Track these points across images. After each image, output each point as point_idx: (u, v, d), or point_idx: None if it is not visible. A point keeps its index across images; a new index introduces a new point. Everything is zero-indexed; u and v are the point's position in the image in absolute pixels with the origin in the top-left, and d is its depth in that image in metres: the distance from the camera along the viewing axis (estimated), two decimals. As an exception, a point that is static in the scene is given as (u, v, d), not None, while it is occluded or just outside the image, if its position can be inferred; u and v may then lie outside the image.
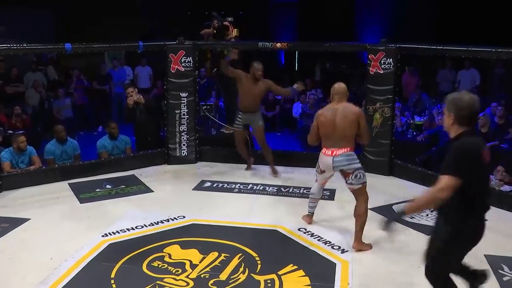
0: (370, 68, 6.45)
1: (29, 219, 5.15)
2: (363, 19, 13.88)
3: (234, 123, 6.48)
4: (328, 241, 4.67)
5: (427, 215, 5.28)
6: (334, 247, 4.55)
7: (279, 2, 14.59)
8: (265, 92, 6.53)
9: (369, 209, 5.38)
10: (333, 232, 4.84)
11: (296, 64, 14.54)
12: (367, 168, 6.56)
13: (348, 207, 5.49)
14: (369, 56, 6.45)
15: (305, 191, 5.99)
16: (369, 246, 4.54)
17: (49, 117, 9.63)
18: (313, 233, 4.82)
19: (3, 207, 5.48)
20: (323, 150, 4.60)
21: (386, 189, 6.10)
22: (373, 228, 4.96)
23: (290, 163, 6.97)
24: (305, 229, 4.90)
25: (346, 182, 4.55)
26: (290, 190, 6.05)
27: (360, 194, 4.55)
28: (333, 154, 4.51)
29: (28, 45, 7.07)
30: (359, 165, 4.51)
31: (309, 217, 5.08)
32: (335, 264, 4.26)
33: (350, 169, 4.47)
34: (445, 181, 2.86)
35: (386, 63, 6.35)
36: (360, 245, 4.52)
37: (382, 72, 6.38)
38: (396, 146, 6.65)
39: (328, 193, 5.93)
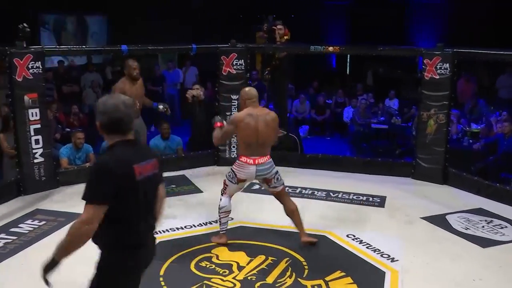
0: (425, 73, 6.29)
1: (83, 214, 5.31)
2: (417, 22, 13.57)
3: None
4: (378, 249, 4.57)
5: (483, 226, 5.10)
6: (384, 255, 4.46)
7: (330, 5, 14.49)
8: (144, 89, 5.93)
9: (421, 218, 5.29)
10: (382, 240, 4.74)
11: (348, 68, 14.38)
12: (419, 175, 6.49)
13: (398, 215, 5.40)
14: (424, 61, 6.28)
15: (354, 197, 5.91)
16: (315, 239, 4.60)
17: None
18: (362, 240, 4.74)
19: (59, 202, 5.69)
20: (243, 158, 4.40)
21: (439, 198, 5.92)
22: (422, 236, 4.85)
23: (340, 168, 6.90)
24: (354, 236, 4.83)
25: (269, 187, 4.52)
26: (339, 196, 5.98)
27: (283, 194, 4.59)
28: (256, 162, 4.39)
29: (87, 46, 7.35)
30: (276, 169, 4.51)
31: (224, 236, 4.61)
32: (384, 273, 4.17)
33: (272, 174, 4.46)
34: (86, 211, 2.38)
35: (442, 68, 6.17)
36: (309, 238, 4.58)
37: (437, 77, 6.21)
38: (451, 154, 6.44)
39: (379, 200, 5.83)
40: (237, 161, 4.48)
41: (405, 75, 12.05)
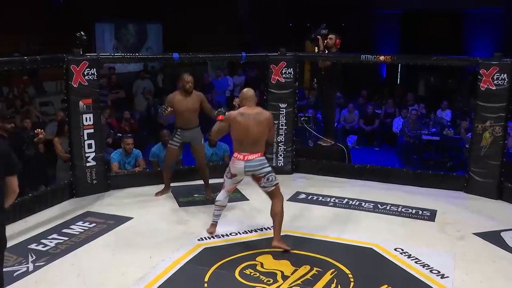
0: (481, 84, 6.07)
1: (132, 218, 5.43)
2: (473, 32, 13.17)
3: (171, 140, 5.98)
4: (427, 264, 4.42)
5: (540, 245, 4.85)
6: (433, 271, 4.31)
7: (382, 14, 14.29)
8: (200, 105, 5.88)
9: (474, 234, 5.10)
10: (432, 255, 4.58)
11: (399, 78, 14.12)
12: (472, 190, 6.27)
13: (450, 230, 5.23)
14: (481, 71, 6.07)
15: (403, 210, 5.76)
16: (288, 247, 4.59)
17: (154, 123, 10.16)
18: (411, 255, 4.60)
19: (109, 205, 5.83)
20: (235, 154, 4.62)
21: (494, 214, 5.68)
22: (475, 253, 4.66)
23: (388, 179, 6.74)
24: (402, 250, 4.69)
25: (259, 185, 4.63)
26: (388, 208, 5.84)
27: (275, 195, 4.64)
28: (245, 158, 4.55)
29: (140, 54, 7.54)
30: (269, 168, 4.61)
31: (213, 227, 4.96)
32: (434, 289, 4.04)
33: (261, 173, 4.55)
34: None
35: (500, 78, 5.94)
36: (280, 243, 4.59)
37: (494, 88, 5.98)
38: (506, 167, 6.18)
39: (429, 214, 5.66)
40: (232, 156, 4.72)
41: (458, 85, 11.71)
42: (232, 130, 4.63)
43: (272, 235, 4.67)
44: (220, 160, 7.11)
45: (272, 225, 5.16)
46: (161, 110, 5.85)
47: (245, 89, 4.84)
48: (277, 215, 4.62)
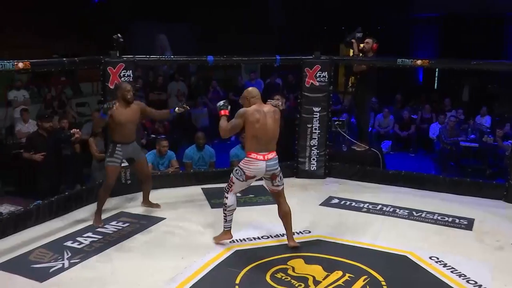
0: (523, 89, 5.89)
1: (165, 218, 5.47)
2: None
3: (111, 158, 5.26)
4: (463, 274, 4.29)
5: None
6: (470, 281, 4.18)
7: (420, 17, 14.05)
8: (141, 116, 5.48)
9: (514, 244, 4.94)
10: (469, 265, 4.45)
11: (436, 83, 13.84)
12: (512, 198, 6.07)
13: (488, 239, 5.07)
14: (522, 76, 5.89)
15: (439, 218, 5.62)
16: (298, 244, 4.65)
17: (187, 125, 10.24)
18: (446, 264, 4.48)
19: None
20: (253, 155, 4.44)
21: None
22: (511, 262, 4.52)
23: (424, 186, 6.59)
24: (437, 258, 4.57)
25: (273, 184, 4.56)
26: (423, 215, 5.71)
27: (282, 195, 4.64)
28: (265, 158, 4.45)
29: (175, 56, 7.61)
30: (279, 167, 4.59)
31: (229, 233, 4.71)
32: (470, 300, 3.92)
33: (279, 171, 4.55)
34: None
35: (542, 84, 5.75)
36: (295, 243, 4.65)
37: (536, 94, 5.79)
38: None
39: (466, 222, 5.50)
40: (245, 157, 4.50)
41: (501, 91, 11.37)
42: (248, 128, 4.44)
43: (303, 240, 4.63)
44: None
45: (306, 229, 5.14)
46: (107, 106, 5.02)
47: (250, 88, 4.71)
48: (288, 214, 4.66)
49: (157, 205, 5.79)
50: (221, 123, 4.58)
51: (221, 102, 4.70)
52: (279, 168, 4.56)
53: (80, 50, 9.66)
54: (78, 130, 6.50)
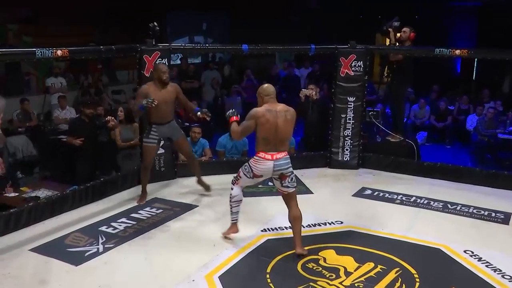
0: None
1: (197, 206, 5.54)
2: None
3: (147, 138, 5.45)
4: (499, 269, 4.20)
5: None
6: (505, 276, 4.09)
7: (459, 6, 13.67)
8: (175, 97, 5.50)
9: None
10: (505, 260, 4.35)
11: (474, 74, 13.47)
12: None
13: (525, 235, 4.93)
14: None
15: (475, 211, 5.51)
16: (306, 251, 4.40)
17: (221, 113, 10.27)
18: (481, 258, 4.39)
19: (176, 192, 5.97)
20: (261, 154, 4.37)
21: None
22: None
23: (460, 179, 6.46)
24: (472, 252, 4.49)
25: (282, 185, 4.40)
26: (458, 208, 5.60)
27: (293, 198, 4.46)
28: (274, 158, 4.34)
29: (210, 45, 7.65)
30: (292, 168, 4.42)
31: (235, 226, 4.66)
32: (506, 295, 3.84)
33: (288, 172, 4.38)
34: None
35: None
36: (304, 250, 4.39)
37: None
38: None
39: (502, 216, 5.38)
40: (255, 156, 4.45)
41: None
42: (259, 128, 4.37)
43: (335, 230, 4.58)
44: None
45: (338, 220, 5.12)
46: (146, 103, 5.16)
47: (266, 85, 4.53)
48: (298, 218, 4.42)
49: (207, 187, 5.86)
50: (232, 127, 4.58)
51: (229, 112, 4.68)
52: (290, 169, 4.39)
53: (117, 38, 9.80)
54: (113, 117, 6.63)
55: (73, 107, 9.25)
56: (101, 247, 4.49)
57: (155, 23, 5.96)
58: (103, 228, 4.90)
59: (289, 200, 4.47)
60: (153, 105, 5.16)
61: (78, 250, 4.46)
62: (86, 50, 5.96)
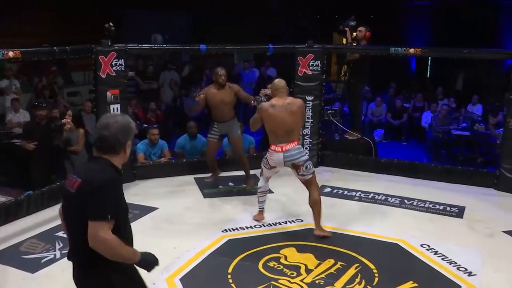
0: (514, 78, 5.90)
1: (157, 208, 5.47)
2: (507, 25, 12.79)
3: (210, 134, 6.05)
4: (454, 261, 4.34)
5: None
6: (460, 268, 4.22)
7: (412, 6, 14.01)
8: (235, 97, 5.96)
9: (503, 232, 4.98)
10: (460, 252, 4.49)
11: (428, 71, 13.84)
12: (503, 187, 6.13)
13: (478, 227, 5.12)
14: (514, 65, 5.91)
15: (430, 206, 5.66)
16: (329, 233, 4.71)
17: (180, 114, 10.20)
18: (437, 251, 4.52)
19: (135, 195, 5.87)
20: (272, 147, 4.69)
21: (525, 211, 5.54)
22: (504, 251, 4.55)
23: (416, 174, 6.64)
24: (428, 246, 4.61)
25: (298, 174, 4.67)
26: (414, 203, 5.75)
27: (312, 183, 4.70)
28: (283, 149, 4.63)
29: (167, 45, 7.57)
30: (307, 156, 4.73)
31: (261, 213, 5.09)
32: (460, 287, 3.95)
33: (301, 161, 4.61)
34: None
35: (535, 72, 5.77)
36: (323, 231, 4.70)
37: (528, 82, 5.81)
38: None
39: (457, 210, 5.55)
40: (268, 149, 4.78)
41: (491, 80, 11.38)
42: (265, 122, 4.72)
43: (295, 228, 4.66)
44: (246, 152, 7.06)
45: (299, 218, 5.17)
46: (193, 95, 5.85)
47: (277, 80, 4.88)
48: (317, 203, 4.67)
49: (251, 185, 6.05)
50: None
51: (257, 99, 5.17)
52: (303, 158, 4.62)
53: (73, 39, 9.57)
54: (69, 120, 6.46)
55: (27, 110, 8.97)
56: (58, 253, 4.39)
57: (111, 23, 5.85)
58: (60, 234, 4.76)
59: (308, 185, 4.72)
60: (197, 97, 5.83)
61: (34, 257, 4.34)
62: (39, 51, 5.81)
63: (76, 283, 2.53)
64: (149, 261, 2.58)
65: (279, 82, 4.82)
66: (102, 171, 2.39)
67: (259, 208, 5.09)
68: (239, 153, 6.16)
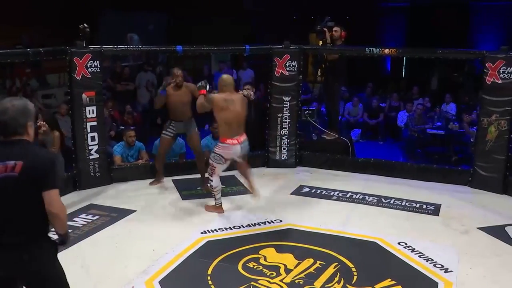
0: (487, 78, 6.01)
1: (135, 210, 5.42)
2: (479, 24, 13.06)
3: (165, 131, 6.07)
4: (431, 258, 4.40)
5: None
6: (437, 265, 4.29)
7: (387, 7, 14.18)
8: (191, 96, 5.94)
9: (478, 228, 5.07)
10: (436, 250, 4.56)
11: (404, 72, 14.03)
12: (477, 184, 6.23)
13: (454, 224, 5.20)
14: (487, 65, 6.01)
15: (407, 204, 5.74)
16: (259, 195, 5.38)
17: (157, 115, 10.11)
18: (414, 249, 4.58)
19: (112, 198, 5.82)
20: (228, 141, 5.01)
21: (498, 208, 5.65)
22: (479, 248, 4.64)
23: (392, 173, 6.71)
24: (406, 244, 4.67)
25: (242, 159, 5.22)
26: (392, 202, 5.82)
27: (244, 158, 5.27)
28: (240, 141, 5.04)
29: (143, 46, 7.51)
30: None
31: (221, 207, 5.31)
32: (437, 283, 4.01)
33: (248, 151, 5.25)
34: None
35: (506, 72, 5.88)
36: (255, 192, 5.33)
37: (500, 82, 5.93)
38: (512, 162, 6.14)
39: (433, 208, 5.63)
40: (219, 144, 5.06)
41: (464, 79, 11.60)
42: (219, 115, 5.01)
43: (274, 229, 4.69)
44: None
45: (277, 218, 5.19)
46: (165, 83, 5.94)
47: (225, 76, 5.26)
48: (248, 168, 5.31)
49: (206, 189, 5.97)
50: (198, 99, 5.09)
51: (201, 82, 5.10)
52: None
53: (48, 40, 9.41)
54: (44, 122, 6.35)
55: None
56: None
57: (85, 25, 5.78)
58: None
59: (243, 159, 5.25)
60: (171, 83, 5.86)
61: None
62: (12, 53, 5.73)
63: (12, 266, 2.62)
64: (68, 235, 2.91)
65: (228, 78, 5.19)
66: (38, 149, 2.66)
67: (217, 204, 5.28)
68: (198, 150, 6.18)
